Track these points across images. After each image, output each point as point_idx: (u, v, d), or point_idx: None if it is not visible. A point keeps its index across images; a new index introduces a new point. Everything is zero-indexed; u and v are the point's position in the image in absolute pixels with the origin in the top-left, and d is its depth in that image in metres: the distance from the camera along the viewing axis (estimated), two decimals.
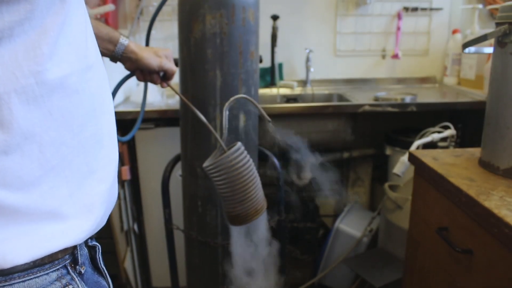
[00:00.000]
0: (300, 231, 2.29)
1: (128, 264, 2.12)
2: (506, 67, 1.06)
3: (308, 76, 2.45)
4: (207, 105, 1.26)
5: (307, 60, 2.42)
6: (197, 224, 1.42)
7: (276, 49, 2.35)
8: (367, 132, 2.44)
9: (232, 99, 1.06)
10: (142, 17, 2.39)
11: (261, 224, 1.27)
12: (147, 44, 1.28)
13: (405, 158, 1.65)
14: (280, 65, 2.47)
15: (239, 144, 1.04)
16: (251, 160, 1.05)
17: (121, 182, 2.04)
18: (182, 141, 1.40)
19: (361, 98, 2.17)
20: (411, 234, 1.36)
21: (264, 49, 2.40)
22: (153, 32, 2.50)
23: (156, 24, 2.49)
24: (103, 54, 1.07)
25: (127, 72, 1.20)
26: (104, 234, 2.11)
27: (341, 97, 2.35)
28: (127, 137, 1.26)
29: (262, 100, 2.40)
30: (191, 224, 1.44)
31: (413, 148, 1.70)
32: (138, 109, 1.92)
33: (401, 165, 1.65)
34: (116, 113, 1.93)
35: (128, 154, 2.06)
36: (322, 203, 2.65)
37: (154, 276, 2.27)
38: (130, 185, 2.08)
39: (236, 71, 1.25)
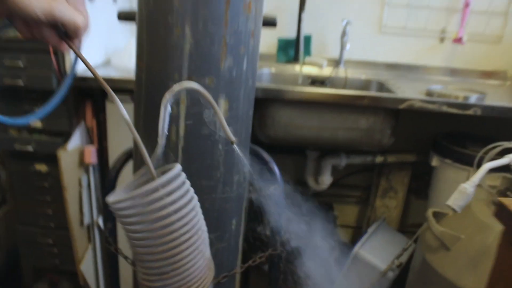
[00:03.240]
0: (308, 249, 1.82)
1: (88, 265, 1.70)
2: None
3: (342, 55, 1.94)
4: (168, 81, 0.79)
5: (343, 34, 1.91)
6: None
7: (304, 16, 1.84)
8: (410, 134, 1.92)
9: (176, 89, 0.60)
10: None
11: None
12: None
13: (468, 186, 1.14)
14: (308, 38, 1.98)
15: (177, 170, 0.59)
16: (194, 200, 0.60)
17: (84, 166, 1.60)
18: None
19: (408, 90, 1.64)
20: None
21: (289, 15, 1.93)
22: None
23: None
24: None
25: None
26: (64, 225, 1.69)
27: (381, 86, 1.82)
28: (24, 119, 0.80)
29: (279, 79, 1.90)
30: None
31: (481, 172, 1.17)
32: (123, 76, 1.47)
33: (460, 196, 1.14)
34: (92, 79, 1.48)
35: (97, 132, 1.61)
36: (341, 211, 2.17)
37: (124, 280, 1.84)
38: (97, 170, 1.64)
39: (217, 31, 0.76)
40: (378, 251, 1.67)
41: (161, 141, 0.61)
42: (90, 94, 1.58)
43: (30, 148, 1.57)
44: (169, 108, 0.60)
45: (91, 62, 1.66)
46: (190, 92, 0.71)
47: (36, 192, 1.68)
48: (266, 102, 1.54)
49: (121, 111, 0.60)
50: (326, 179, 1.88)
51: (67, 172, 1.53)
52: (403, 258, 1.61)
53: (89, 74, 1.50)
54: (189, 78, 0.78)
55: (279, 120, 1.56)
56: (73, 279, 1.83)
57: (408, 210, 2.13)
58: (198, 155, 0.83)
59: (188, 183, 0.60)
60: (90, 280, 1.71)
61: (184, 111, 0.79)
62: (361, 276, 1.66)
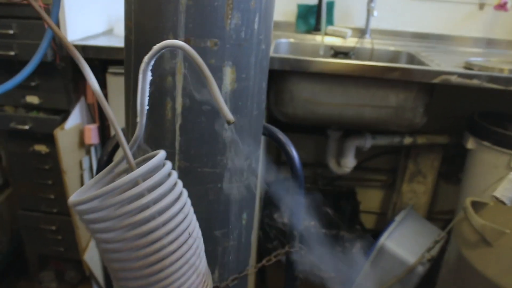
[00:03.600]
0: (329, 239, 1.67)
1: (93, 254, 1.59)
2: None
3: (368, 23, 1.76)
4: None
5: (370, 0, 1.70)
6: None
7: None
8: (441, 113, 1.74)
9: (156, 49, 0.45)
10: None
11: None
12: None
13: None
14: (331, 4, 1.79)
15: (160, 157, 0.44)
16: (183, 197, 0.46)
17: (85, 147, 1.47)
18: (126, 108, 0.78)
19: (443, 62, 1.46)
20: None
21: None
22: None
23: None
24: None
25: None
26: (67, 210, 1.58)
27: (412, 58, 1.64)
28: None
29: (298, 50, 1.73)
30: None
31: None
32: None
33: (510, 186, 0.97)
34: (90, 49, 1.34)
35: (99, 109, 1.47)
36: (364, 196, 2.01)
37: None
38: (100, 151, 1.51)
39: None
40: (407, 242, 1.52)
41: (141, 119, 0.46)
42: (90, 67, 1.44)
43: (27, 127, 1.44)
44: (149, 76, 0.45)
45: (92, 31, 1.51)
46: (189, 58, 0.55)
47: (37, 175, 1.56)
48: (284, 74, 1.37)
49: (89, 82, 0.46)
50: (349, 162, 1.72)
51: (66, 153, 1.40)
52: (435, 251, 1.45)
53: (87, 43, 1.36)
54: (186, 40, 0.62)
55: (298, 96, 1.40)
56: (79, 267, 1.72)
57: (436, 195, 1.96)
58: (199, 136, 0.68)
59: (175, 174, 0.46)
60: (96, 270, 1.60)
61: (182, 81, 0.64)
62: (387, 270, 1.51)
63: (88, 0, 1.45)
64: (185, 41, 0.62)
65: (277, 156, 1.95)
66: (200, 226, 0.75)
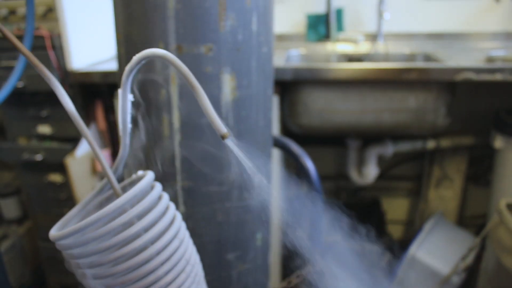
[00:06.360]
0: (355, 253, 1.59)
1: None
2: None
3: (380, 27, 1.70)
4: None
5: (381, 2, 1.65)
6: None
7: None
8: (464, 112, 1.66)
9: (134, 61, 0.40)
10: None
11: None
12: None
13: None
14: (340, 12, 1.74)
15: (147, 178, 0.40)
16: (176, 221, 0.41)
17: (98, 174, 1.44)
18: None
19: (462, 60, 1.39)
20: None
21: None
22: None
23: None
24: None
25: None
26: None
27: (429, 59, 1.57)
28: None
29: (310, 60, 1.68)
30: None
31: None
32: None
33: None
34: (100, 74, 1.26)
35: (109, 135, 1.44)
36: (390, 205, 1.93)
37: None
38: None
39: None
40: (439, 251, 1.43)
41: (124, 139, 0.41)
42: (99, 93, 1.42)
43: (39, 157, 1.42)
44: (129, 91, 0.41)
45: (101, 57, 1.48)
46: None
47: (53, 205, 1.54)
48: (297, 85, 1.33)
49: (61, 99, 0.42)
50: (371, 171, 1.65)
51: (78, 181, 1.38)
52: (470, 260, 1.36)
53: (93, 69, 1.34)
54: (179, 47, 0.58)
55: (312, 106, 1.35)
56: None
57: (466, 200, 1.86)
58: (201, 152, 0.63)
59: (166, 196, 0.41)
60: None
61: (177, 93, 0.59)
62: (419, 282, 1.42)
63: (94, 27, 1.44)
64: (176, 48, 0.58)
65: (297, 169, 1.89)
66: (210, 250, 0.69)
